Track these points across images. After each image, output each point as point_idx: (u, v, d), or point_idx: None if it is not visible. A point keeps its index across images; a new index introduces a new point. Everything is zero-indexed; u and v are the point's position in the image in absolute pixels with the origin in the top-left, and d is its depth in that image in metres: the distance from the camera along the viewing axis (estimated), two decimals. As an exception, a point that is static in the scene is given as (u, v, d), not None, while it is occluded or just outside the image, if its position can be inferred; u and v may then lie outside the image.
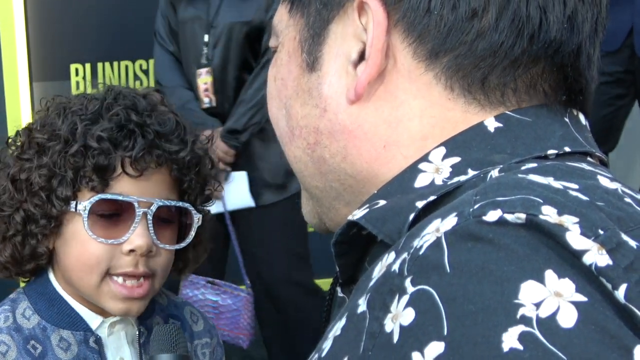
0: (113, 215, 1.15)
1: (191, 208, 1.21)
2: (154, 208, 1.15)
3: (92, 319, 1.21)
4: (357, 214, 0.62)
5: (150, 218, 1.15)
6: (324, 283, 2.89)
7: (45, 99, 1.23)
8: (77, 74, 3.23)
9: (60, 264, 1.19)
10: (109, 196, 1.14)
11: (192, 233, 1.21)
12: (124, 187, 1.14)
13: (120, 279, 1.16)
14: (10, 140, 1.21)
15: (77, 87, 3.25)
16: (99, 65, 3.28)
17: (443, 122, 0.63)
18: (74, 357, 1.19)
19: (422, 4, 0.62)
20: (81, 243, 1.15)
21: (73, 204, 1.14)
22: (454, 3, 0.61)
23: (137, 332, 1.24)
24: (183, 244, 1.22)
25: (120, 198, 1.14)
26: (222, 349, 1.40)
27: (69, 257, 1.17)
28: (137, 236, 1.14)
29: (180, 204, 1.19)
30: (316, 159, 0.68)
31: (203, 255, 1.31)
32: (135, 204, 1.14)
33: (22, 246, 1.17)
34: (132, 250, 1.15)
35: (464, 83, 0.62)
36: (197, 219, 1.21)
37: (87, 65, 3.27)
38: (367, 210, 0.62)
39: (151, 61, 3.33)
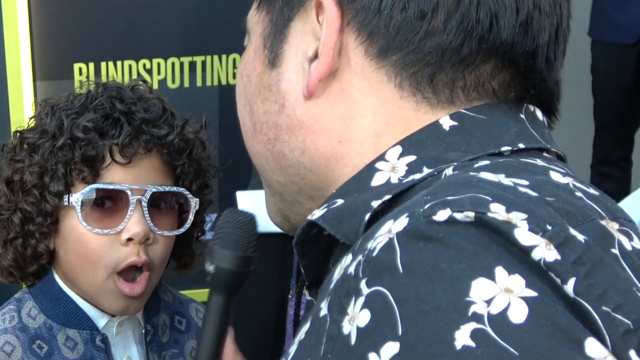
0: (107, 205, 1.14)
1: (186, 192, 1.20)
2: (148, 195, 1.14)
3: (99, 318, 1.21)
4: (316, 214, 0.63)
5: (146, 205, 1.14)
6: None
7: (35, 103, 1.24)
8: (80, 73, 3.22)
9: (62, 263, 1.19)
10: (100, 186, 1.13)
11: (191, 217, 1.21)
12: (116, 176, 1.14)
13: (122, 278, 1.15)
14: (4, 146, 1.21)
15: (81, 87, 3.25)
16: (103, 64, 3.27)
17: (395, 120, 0.64)
18: (81, 356, 1.18)
19: (373, 4, 0.63)
20: (79, 238, 1.15)
21: (66, 197, 1.13)
22: (404, 4, 0.62)
23: (144, 331, 1.24)
24: (182, 230, 1.21)
25: (112, 187, 1.13)
26: None
27: (69, 254, 1.17)
28: (133, 224, 1.13)
29: (174, 189, 1.19)
30: (276, 154, 0.70)
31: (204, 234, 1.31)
32: (129, 192, 1.13)
33: (24, 248, 1.17)
34: (130, 239, 1.14)
35: (413, 81, 0.63)
36: (194, 203, 1.20)
37: (91, 65, 3.26)
38: (326, 210, 0.63)
39: (155, 60, 3.33)
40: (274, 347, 2.65)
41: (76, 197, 1.13)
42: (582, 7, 3.52)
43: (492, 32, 0.63)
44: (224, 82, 3.41)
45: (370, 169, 0.64)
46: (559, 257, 0.49)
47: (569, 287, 0.49)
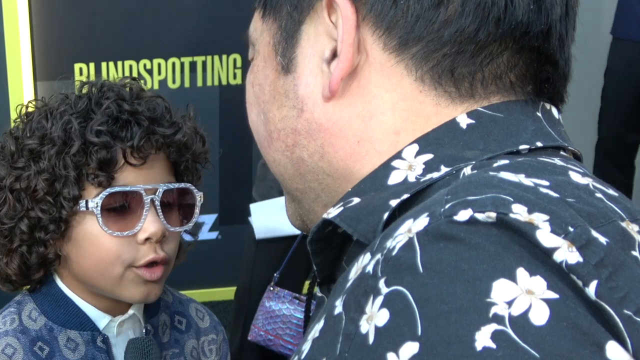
0: (123, 207, 1.15)
1: (193, 188, 1.22)
2: (159, 194, 1.16)
3: (100, 319, 1.21)
4: (332, 212, 0.63)
5: (158, 204, 1.15)
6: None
7: (20, 105, 1.22)
8: (81, 73, 3.22)
9: (73, 265, 1.18)
10: (117, 189, 1.13)
11: (197, 212, 1.22)
12: (128, 178, 1.14)
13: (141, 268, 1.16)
14: (1, 150, 1.19)
15: (81, 88, 3.24)
16: (103, 64, 3.28)
17: (415, 116, 0.64)
18: (82, 357, 1.18)
19: None
20: (95, 241, 1.15)
21: (82, 203, 1.13)
22: None
23: (144, 331, 1.24)
24: (190, 224, 1.22)
25: (128, 189, 1.14)
26: (227, 345, 1.41)
27: (83, 258, 1.16)
28: (149, 223, 1.15)
29: (182, 185, 1.20)
30: (295, 160, 0.69)
31: (196, 235, 1.32)
32: (143, 192, 1.14)
33: (29, 255, 1.16)
34: (147, 239, 1.15)
35: (434, 74, 0.63)
36: (199, 197, 1.22)
37: (91, 65, 3.26)
38: (342, 208, 0.62)
39: (155, 60, 3.33)
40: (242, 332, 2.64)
41: (95, 203, 1.13)
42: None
43: (507, 13, 0.62)
44: (224, 82, 3.42)
45: (386, 167, 0.64)
46: (581, 260, 0.49)
47: (591, 289, 0.48)
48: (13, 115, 1.21)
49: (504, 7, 0.62)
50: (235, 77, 3.42)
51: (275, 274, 2.54)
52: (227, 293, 3.33)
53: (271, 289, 2.51)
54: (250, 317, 2.64)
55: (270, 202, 2.55)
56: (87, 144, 1.12)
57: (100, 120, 1.13)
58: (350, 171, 0.66)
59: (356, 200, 0.62)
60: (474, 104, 0.64)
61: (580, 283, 0.48)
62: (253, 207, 2.58)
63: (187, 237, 1.33)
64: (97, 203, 1.13)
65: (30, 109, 1.21)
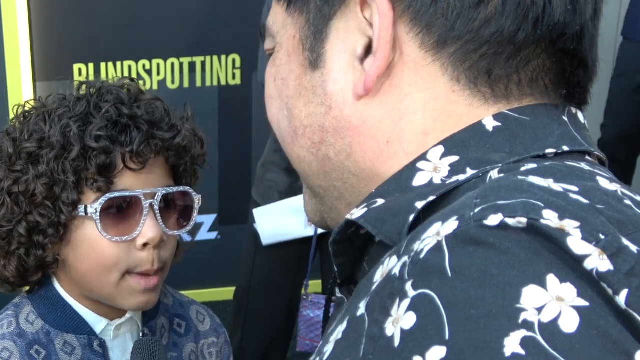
0: (121, 211, 1.14)
1: (191, 191, 1.21)
2: (158, 198, 1.15)
3: (97, 323, 1.21)
4: (356, 213, 0.62)
5: (157, 208, 1.15)
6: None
7: (18, 105, 1.21)
8: (80, 74, 3.22)
9: (71, 269, 1.18)
10: (116, 194, 1.13)
11: (195, 215, 1.22)
12: (127, 182, 1.14)
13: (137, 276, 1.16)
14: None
15: (79, 88, 3.24)
16: (102, 65, 3.27)
17: (445, 116, 0.63)
18: (78, 361, 1.18)
19: None
20: (94, 246, 1.14)
21: (81, 207, 1.13)
22: None
23: (142, 334, 1.24)
24: (189, 227, 1.22)
25: (127, 194, 1.13)
26: (229, 347, 1.40)
27: (82, 262, 1.16)
28: (148, 228, 1.14)
29: (181, 188, 1.19)
30: (321, 158, 0.68)
31: (194, 235, 1.32)
32: (142, 197, 1.14)
33: (27, 257, 1.16)
34: (145, 244, 1.14)
35: (470, 74, 0.62)
36: (197, 200, 1.21)
37: (91, 65, 3.26)
38: (366, 209, 0.62)
39: (154, 61, 3.33)
40: (282, 344, 2.64)
41: (94, 208, 1.12)
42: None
43: (545, 14, 0.62)
44: (223, 83, 3.41)
45: (411, 169, 0.63)
46: (612, 268, 0.48)
47: (621, 298, 0.48)
48: (12, 116, 1.20)
49: (542, 7, 0.61)
50: (234, 77, 3.42)
51: (304, 282, 2.53)
52: (226, 293, 3.32)
53: (305, 297, 2.50)
54: (249, 318, 2.63)
55: (273, 206, 2.54)
56: (86, 149, 1.11)
57: (99, 125, 1.12)
58: (377, 172, 0.65)
59: (380, 201, 0.62)
60: (507, 106, 0.63)
61: (610, 291, 0.48)
62: (257, 212, 2.56)
63: (186, 237, 1.32)
64: (96, 208, 1.12)
65: (27, 108, 1.20)
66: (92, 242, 1.14)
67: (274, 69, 0.71)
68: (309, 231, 2.53)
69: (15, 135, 1.16)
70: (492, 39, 0.61)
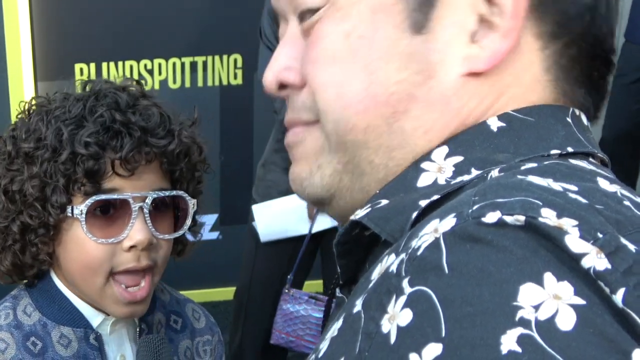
0: (110, 214, 1.14)
1: (185, 195, 1.20)
2: (148, 201, 1.14)
3: (94, 317, 1.21)
4: (360, 214, 0.61)
5: (147, 211, 1.14)
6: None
7: (24, 102, 1.21)
8: (81, 74, 3.22)
9: (62, 267, 1.19)
10: (103, 197, 1.12)
11: (189, 220, 1.21)
12: (117, 185, 1.13)
13: (123, 285, 1.16)
14: None
15: (83, 88, 3.24)
16: (104, 65, 3.28)
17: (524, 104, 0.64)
18: (74, 353, 1.18)
19: None
20: (81, 246, 1.15)
21: (69, 209, 1.13)
22: None
23: (138, 330, 1.24)
24: (181, 232, 1.21)
25: (115, 197, 1.13)
26: (222, 346, 1.41)
27: (70, 262, 1.17)
28: (136, 231, 1.14)
29: (174, 192, 1.19)
30: (394, 130, 0.64)
31: (199, 234, 1.31)
32: (130, 200, 1.13)
33: (23, 253, 1.16)
34: (132, 246, 1.14)
35: (562, 71, 0.64)
36: (192, 204, 1.21)
37: (92, 65, 3.26)
38: (370, 209, 0.61)
39: (156, 61, 3.33)
40: (264, 339, 2.64)
41: (80, 210, 1.12)
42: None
43: (608, 15, 0.64)
44: (225, 83, 3.42)
45: (415, 169, 0.62)
46: (609, 266, 0.48)
47: (618, 297, 0.47)
48: (14, 115, 1.21)
49: (606, 9, 0.64)
50: (235, 77, 3.42)
51: (288, 276, 2.53)
52: (227, 293, 3.33)
53: (286, 291, 2.50)
54: (249, 317, 2.63)
55: (272, 203, 2.54)
56: (75, 154, 1.11)
57: (90, 130, 1.12)
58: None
59: (384, 201, 0.61)
60: (571, 105, 0.65)
61: (607, 290, 0.48)
62: (255, 209, 2.56)
63: (190, 238, 1.32)
64: (81, 210, 1.12)
65: (33, 103, 1.20)
66: (80, 242, 1.14)
67: (348, 24, 0.64)
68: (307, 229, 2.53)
69: (16, 133, 1.17)
70: (592, 39, 0.63)
